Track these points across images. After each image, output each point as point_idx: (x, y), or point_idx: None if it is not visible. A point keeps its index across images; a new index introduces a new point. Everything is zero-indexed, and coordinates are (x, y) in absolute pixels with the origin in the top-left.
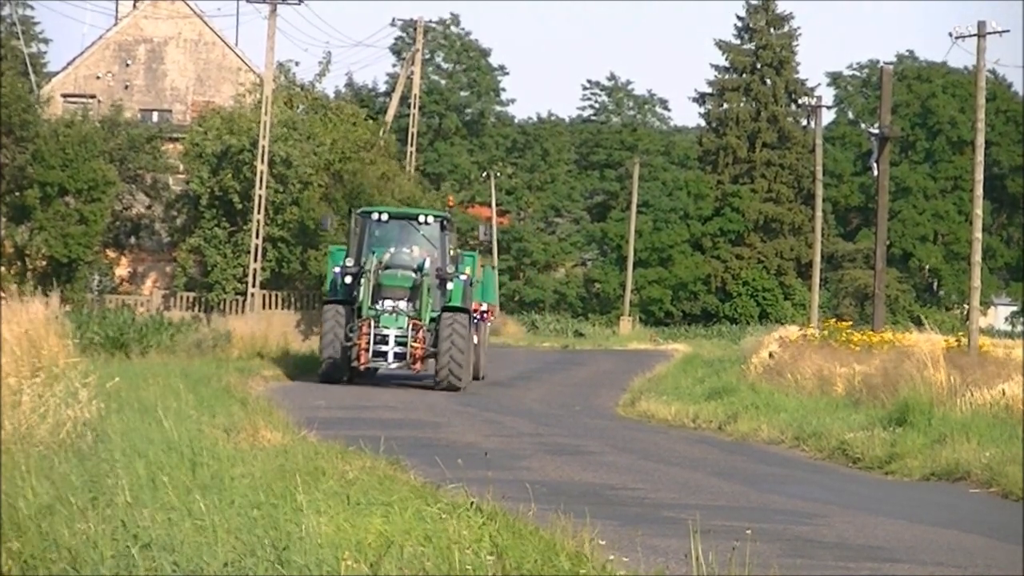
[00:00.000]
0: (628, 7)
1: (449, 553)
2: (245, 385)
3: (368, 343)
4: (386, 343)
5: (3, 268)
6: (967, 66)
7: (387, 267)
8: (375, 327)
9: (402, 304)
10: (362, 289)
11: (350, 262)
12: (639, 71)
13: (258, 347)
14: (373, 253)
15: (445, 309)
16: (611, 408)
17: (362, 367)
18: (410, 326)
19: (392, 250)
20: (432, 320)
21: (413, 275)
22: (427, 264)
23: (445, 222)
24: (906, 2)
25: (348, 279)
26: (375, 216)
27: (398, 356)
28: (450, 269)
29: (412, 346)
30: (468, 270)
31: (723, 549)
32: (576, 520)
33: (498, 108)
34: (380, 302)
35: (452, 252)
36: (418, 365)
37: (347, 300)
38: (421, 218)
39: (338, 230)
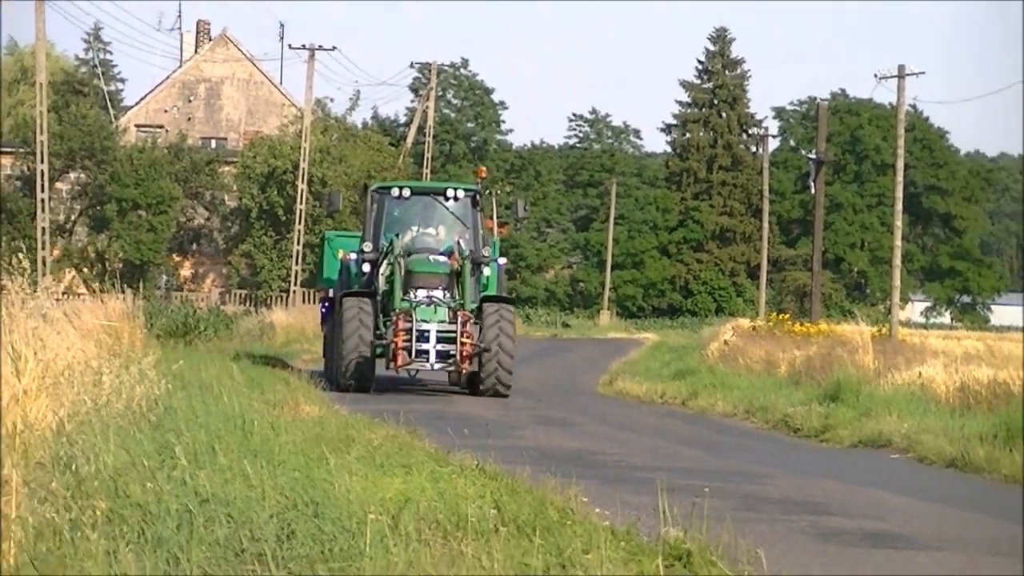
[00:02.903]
0: (607, 53)
1: (458, 507)
2: (288, 367)
3: (407, 341)
4: (427, 340)
5: (85, 269)
6: (889, 102)
7: (410, 252)
8: (414, 322)
9: (438, 293)
10: (393, 277)
11: (368, 247)
12: (616, 106)
13: (298, 335)
14: (397, 235)
15: (486, 299)
16: (593, 387)
17: (399, 369)
18: (458, 319)
19: (415, 231)
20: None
21: (445, 259)
22: (462, 245)
23: (477, 196)
24: (837, 49)
25: (367, 267)
26: (395, 192)
27: (441, 355)
28: (485, 251)
29: (461, 342)
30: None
31: (685, 504)
32: (563, 480)
33: (499, 137)
34: (412, 292)
35: (483, 232)
36: (466, 365)
37: (366, 292)
38: (449, 192)
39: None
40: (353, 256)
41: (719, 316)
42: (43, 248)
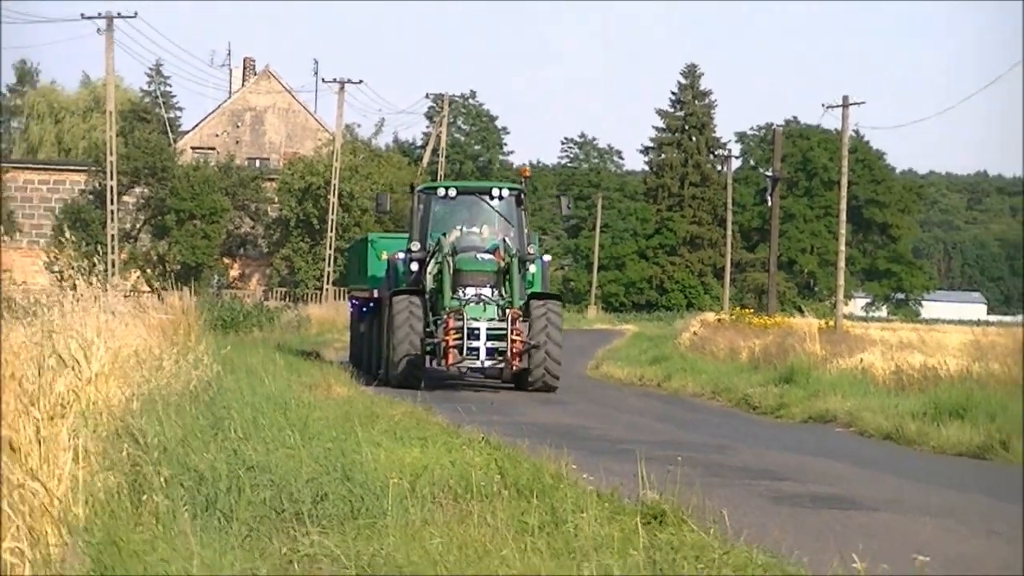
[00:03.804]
0: (595, 86)
1: (467, 473)
2: (322, 353)
3: (459, 339)
4: (477, 338)
5: (148, 270)
6: (835, 127)
7: (456, 250)
8: (464, 320)
9: (486, 291)
10: (441, 275)
11: (415, 246)
12: (602, 130)
13: (330, 327)
14: (444, 235)
15: (533, 296)
16: (582, 371)
17: (450, 367)
18: (508, 316)
19: (460, 229)
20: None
21: (491, 257)
22: (508, 243)
23: (521, 195)
24: (791, 82)
25: (414, 265)
26: (441, 192)
27: (491, 352)
28: (530, 249)
29: (512, 339)
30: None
31: (660, 471)
32: (556, 450)
33: (501, 157)
34: (460, 290)
35: (527, 229)
36: (516, 361)
37: (415, 290)
38: (495, 191)
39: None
40: (401, 255)
41: (689, 310)
42: (112, 252)
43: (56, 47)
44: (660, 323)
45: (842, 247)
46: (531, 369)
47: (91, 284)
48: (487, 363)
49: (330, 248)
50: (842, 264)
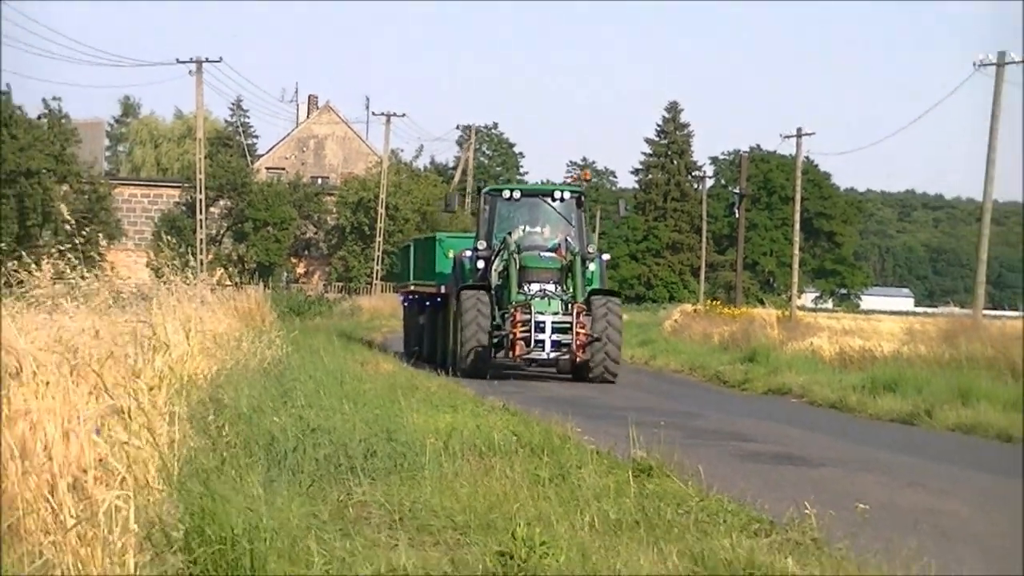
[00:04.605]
0: (595, 117)
1: (490, 434)
2: (370, 336)
3: (526, 331)
4: (543, 331)
5: (230, 268)
6: (790, 153)
7: (520, 249)
8: (532, 314)
9: (550, 287)
10: (507, 272)
11: (482, 244)
12: (600, 154)
13: (378, 314)
14: (510, 234)
15: (593, 292)
16: None
17: (516, 358)
18: (573, 310)
19: (523, 229)
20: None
21: (553, 255)
22: (570, 242)
23: (582, 197)
24: (752, 117)
25: (480, 263)
26: (505, 194)
27: (556, 344)
28: (589, 248)
29: (577, 332)
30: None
31: (649, 434)
32: (562, 417)
33: (518, 177)
34: (526, 286)
35: (586, 229)
36: (580, 353)
37: (482, 285)
38: (556, 194)
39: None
40: (468, 253)
41: (671, 303)
42: (200, 253)
43: (155, 86)
44: (647, 313)
45: (796, 251)
46: (591, 363)
47: (184, 279)
48: (552, 354)
49: (378, 250)
50: (796, 265)
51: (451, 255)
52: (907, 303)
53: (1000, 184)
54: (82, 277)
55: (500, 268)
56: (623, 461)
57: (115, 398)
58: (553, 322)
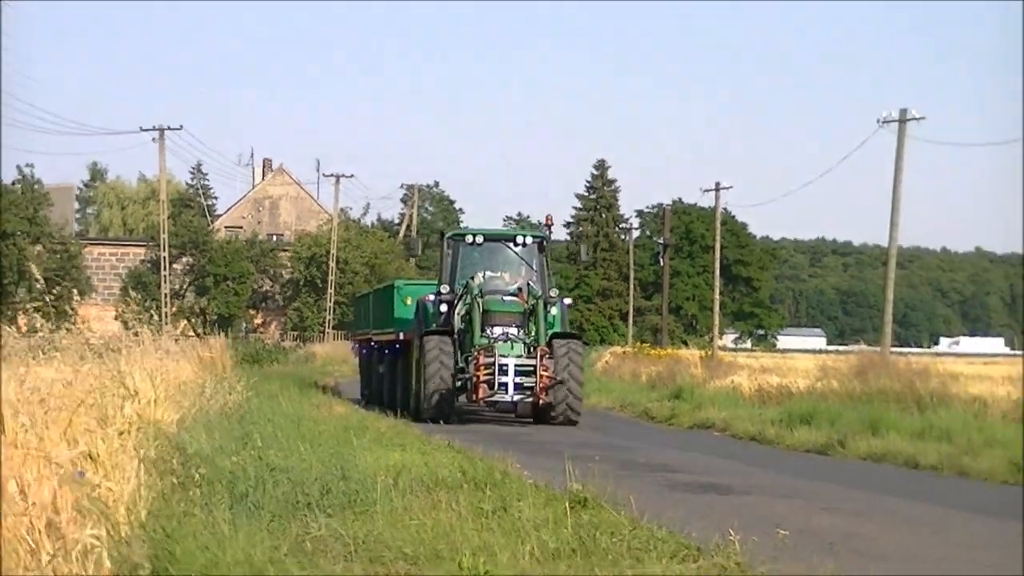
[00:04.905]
0: (528, 174)
1: (437, 471)
2: (323, 381)
3: (489, 374)
4: (506, 373)
5: (192, 319)
6: (710, 205)
7: (483, 292)
8: (495, 357)
9: (512, 330)
10: (471, 316)
11: (445, 289)
12: (534, 208)
13: (331, 361)
14: (472, 278)
15: (555, 335)
16: None
17: (480, 401)
18: (536, 353)
19: (485, 274)
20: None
21: (515, 299)
22: (532, 286)
23: (543, 242)
24: (673, 172)
25: (443, 307)
26: (468, 239)
27: (519, 387)
28: (551, 292)
29: (541, 375)
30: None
31: (584, 467)
32: (503, 452)
33: None
34: (489, 329)
35: (548, 273)
36: (543, 395)
37: (445, 330)
38: (519, 239)
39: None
40: (431, 297)
41: (602, 345)
42: (165, 306)
43: (120, 152)
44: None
45: (716, 296)
46: (554, 404)
47: (150, 331)
48: (516, 397)
49: (331, 301)
50: (717, 308)
51: (409, 302)
52: (820, 342)
53: (904, 230)
54: (52, 331)
55: (463, 312)
56: (560, 493)
57: (86, 444)
58: (516, 365)
